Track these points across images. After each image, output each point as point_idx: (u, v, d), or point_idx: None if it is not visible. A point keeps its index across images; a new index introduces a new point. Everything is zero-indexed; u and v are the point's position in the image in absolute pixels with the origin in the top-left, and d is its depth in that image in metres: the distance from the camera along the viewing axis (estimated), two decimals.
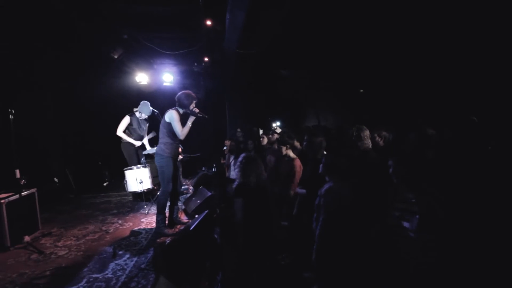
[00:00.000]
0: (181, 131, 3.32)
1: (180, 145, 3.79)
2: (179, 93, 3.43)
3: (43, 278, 2.55)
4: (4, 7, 3.66)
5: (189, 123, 3.36)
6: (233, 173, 5.11)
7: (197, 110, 3.40)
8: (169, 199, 3.58)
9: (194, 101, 3.41)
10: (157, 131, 3.57)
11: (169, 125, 3.37)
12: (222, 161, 6.03)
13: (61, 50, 5.03)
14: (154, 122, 5.00)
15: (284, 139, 3.35)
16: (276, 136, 4.06)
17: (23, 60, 4.71)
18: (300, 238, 2.54)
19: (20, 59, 4.65)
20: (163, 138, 3.43)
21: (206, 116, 3.47)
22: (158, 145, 3.47)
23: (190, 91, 3.47)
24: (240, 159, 2.41)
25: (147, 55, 6.10)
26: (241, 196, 2.25)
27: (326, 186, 2.09)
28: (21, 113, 3.26)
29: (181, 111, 3.41)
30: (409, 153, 2.09)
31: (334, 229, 1.98)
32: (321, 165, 2.18)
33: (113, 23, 4.77)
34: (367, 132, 2.81)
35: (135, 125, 4.88)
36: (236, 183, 2.45)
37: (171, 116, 3.33)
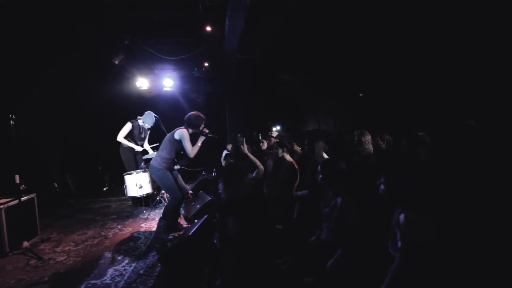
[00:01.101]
0: (192, 150, 3.36)
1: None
2: (189, 114, 3.46)
3: (41, 284, 2.53)
4: (9, 12, 3.72)
5: (199, 143, 3.44)
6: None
7: (207, 131, 3.50)
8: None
9: (204, 122, 3.48)
10: (159, 140, 3.59)
11: (176, 142, 3.38)
12: (223, 165, 6.03)
13: (63, 55, 5.08)
14: (155, 131, 5.01)
15: (282, 142, 3.36)
16: (273, 140, 4.07)
17: (25, 65, 4.75)
18: (300, 242, 2.52)
19: (22, 64, 4.69)
20: (164, 152, 3.42)
21: (216, 136, 3.57)
22: (155, 157, 3.47)
23: (199, 113, 3.52)
24: (223, 172, 2.33)
25: (148, 60, 6.16)
26: (231, 214, 2.18)
27: (339, 200, 2.04)
28: (21, 117, 3.28)
29: (190, 130, 3.44)
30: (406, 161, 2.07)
31: (354, 246, 1.94)
32: (319, 176, 2.16)
33: (115, 29, 4.83)
34: (368, 137, 2.80)
35: (136, 132, 4.90)
36: (223, 197, 2.35)
37: (182, 134, 3.35)
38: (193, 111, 3.55)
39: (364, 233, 1.95)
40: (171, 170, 3.52)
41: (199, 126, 3.44)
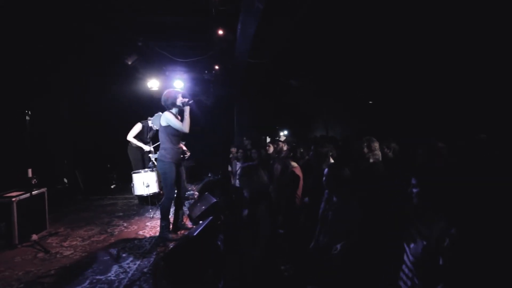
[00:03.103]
0: (183, 126, 3.28)
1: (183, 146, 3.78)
2: (163, 96, 3.39)
3: (47, 277, 2.58)
4: (24, 14, 3.85)
5: (186, 116, 3.31)
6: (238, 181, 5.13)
7: (186, 100, 3.35)
8: (173, 204, 3.57)
9: (179, 94, 3.37)
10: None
11: (166, 128, 3.31)
12: (229, 169, 6.05)
13: (76, 55, 5.22)
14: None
15: (293, 148, 3.38)
16: (281, 145, 4.08)
17: (40, 64, 4.89)
18: (305, 249, 2.50)
19: (37, 63, 4.83)
20: (163, 143, 3.38)
21: (198, 97, 3.42)
22: (159, 151, 3.44)
23: (168, 90, 3.45)
24: (238, 172, 2.48)
25: (160, 62, 6.27)
26: (260, 201, 2.25)
27: (334, 200, 2.05)
28: (35, 114, 3.35)
29: (174, 111, 3.37)
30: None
31: (354, 247, 1.93)
32: (323, 179, 2.17)
33: (128, 31, 4.95)
34: (376, 144, 2.79)
35: (146, 133, 5.00)
36: (246, 194, 2.50)
37: (166, 117, 3.28)
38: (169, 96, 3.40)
39: (363, 234, 1.93)
40: (177, 163, 3.44)
41: (177, 101, 3.33)
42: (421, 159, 2.48)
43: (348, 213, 2.01)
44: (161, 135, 3.40)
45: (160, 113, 4.81)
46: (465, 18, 3.86)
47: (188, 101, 3.34)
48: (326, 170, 2.19)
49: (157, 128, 4.94)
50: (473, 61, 4.27)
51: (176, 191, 3.54)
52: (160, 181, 4.71)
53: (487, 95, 4.17)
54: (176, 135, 3.37)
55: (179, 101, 3.34)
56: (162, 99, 3.37)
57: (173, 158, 3.36)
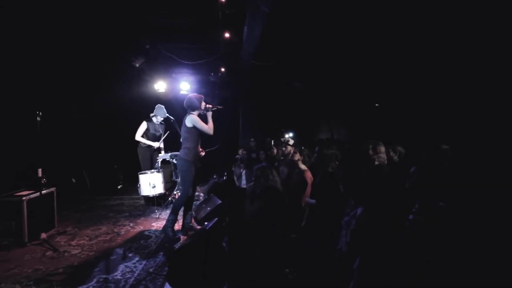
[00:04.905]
0: (208, 128, 3.48)
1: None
2: (187, 100, 3.52)
3: (56, 275, 2.64)
4: (37, 18, 3.95)
5: (210, 119, 3.53)
6: (244, 182, 5.14)
7: (210, 106, 3.58)
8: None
9: (202, 99, 3.57)
10: (173, 136, 3.67)
11: (191, 129, 3.45)
12: (233, 169, 6.08)
13: (85, 57, 5.32)
14: (169, 127, 5.15)
15: (301, 150, 3.40)
16: (289, 148, 4.09)
17: (50, 66, 4.99)
18: (309, 251, 2.50)
19: (47, 64, 4.92)
20: (186, 143, 3.50)
21: (221, 107, 3.69)
22: (182, 149, 3.54)
23: (194, 94, 3.62)
24: (254, 173, 2.66)
25: (166, 64, 6.34)
26: (262, 199, 2.37)
27: (359, 211, 2.00)
28: (44, 114, 3.42)
29: (196, 113, 3.52)
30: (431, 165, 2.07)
31: (375, 262, 1.92)
32: (340, 185, 2.15)
33: (136, 33, 5.03)
34: (382, 148, 2.78)
35: (152, 130, 5.07)
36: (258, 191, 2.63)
37: (192, 119, 3.43)
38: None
39: (381, 242, 1.92)
40: (196, 163, 3.59)
41: (201, 106, 3.52)
42: (424, 161, 2.47)
43: (364, 218, 1.98)
44: (184, 135, 3.53)
45: (161, 105, 4.92)
46: (472, 23, 3.83)
47: (212, 107, 3.57)
48: (341, 176, 2.17)
49: (162, 119, 5.03)
50: (480, 64, 4.22)
51: (192, 189, 3.60)
52: (167, 182, 4.77)
53: (494, 98, 4.12)
54: (199, 136, 3.53)
55: (203, 105, 3.54)
56: (187, 101, 3.52)
57: (194, 158, 3.52)
